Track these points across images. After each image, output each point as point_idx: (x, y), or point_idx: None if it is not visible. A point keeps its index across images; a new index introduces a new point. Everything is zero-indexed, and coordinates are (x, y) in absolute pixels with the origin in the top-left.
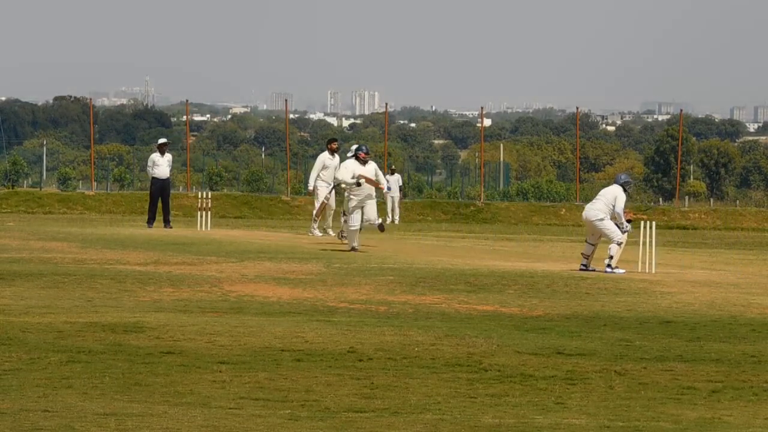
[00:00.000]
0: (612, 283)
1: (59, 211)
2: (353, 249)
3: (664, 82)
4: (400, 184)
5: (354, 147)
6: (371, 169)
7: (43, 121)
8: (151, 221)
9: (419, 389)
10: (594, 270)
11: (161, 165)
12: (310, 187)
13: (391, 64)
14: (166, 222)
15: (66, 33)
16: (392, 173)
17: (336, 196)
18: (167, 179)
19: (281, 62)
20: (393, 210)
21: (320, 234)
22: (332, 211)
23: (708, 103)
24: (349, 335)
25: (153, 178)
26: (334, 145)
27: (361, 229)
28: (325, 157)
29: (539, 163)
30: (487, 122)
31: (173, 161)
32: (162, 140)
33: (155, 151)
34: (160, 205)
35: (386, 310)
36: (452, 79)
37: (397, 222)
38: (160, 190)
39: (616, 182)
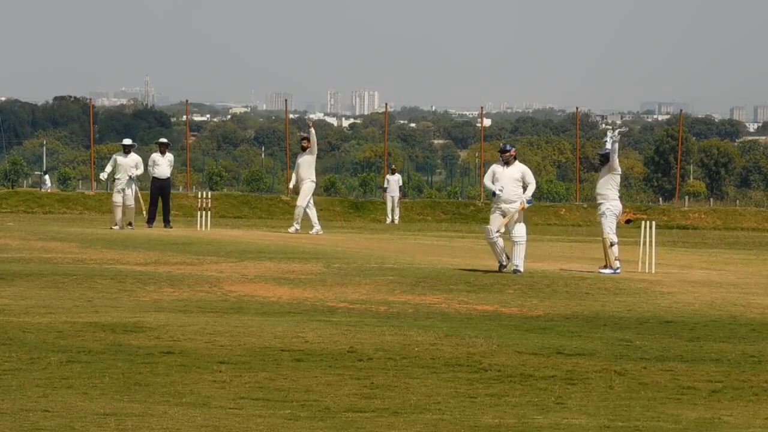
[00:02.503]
0: (612, 283)
1: (59, 211)
2: (501, 267)
3: (664, 82)
4: (400, 184)
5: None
6: (516, 172)
7: (43, 121)
8: (151, 221)
9: (419, 389)
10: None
11: (161, 165)
12: (291, 185)
13: (391, 64)
14: (166, 222)
15: (66, 33)
16: (392, 173)
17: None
18: (167, 179)
19: (281, 62)
20: (393, 210)
21: (297, 231)
22: (309, 210)
23: (708, 103)
24: (349, 335)
25: (153, 177)
26: (305, 144)
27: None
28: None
29: (539, 163)
30: (487, 122)
31: (173, 161)
32: (162, 140)
33: (156, 151)
34: (160, 204)
35: (386, 310)
36: (452, 79)
37: (397, 222)
38: (159, 189)
39: (605, 153)
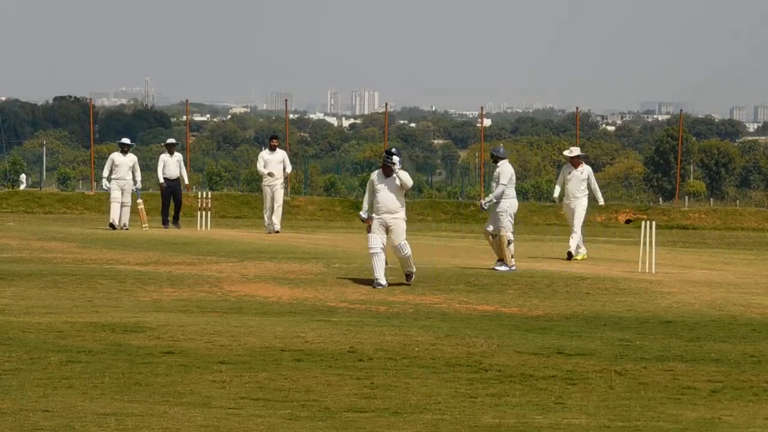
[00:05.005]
0: (612, 283)
1: (59, 211)
2: (376, 283)
3: (664, 82)
4: None
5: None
6: (397, 179)
7: (43, 121)
8: (166, 222)
9: (419, 389)
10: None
11: (170, 165)
12: (267, 170)
13: (391, 64)
14: (175, 220)
15: (66, 33)
16: None
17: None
18: (177, 179)
19: (281, 62)
20: None
21: (274, 231)
22: (278, 207)
23: (708, 103)
24: (349, 335)
25: (164, 178)
26: (275, 142)
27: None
28: (264, 153)
29: (539, 163)
30: (487, 122)
31: (182, 160)
32: (170, 140)
33: (164, 152)
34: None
35: (386, 310)
36: (452, 79)
37: None
38: (171, 189)
39: (502, 157)
